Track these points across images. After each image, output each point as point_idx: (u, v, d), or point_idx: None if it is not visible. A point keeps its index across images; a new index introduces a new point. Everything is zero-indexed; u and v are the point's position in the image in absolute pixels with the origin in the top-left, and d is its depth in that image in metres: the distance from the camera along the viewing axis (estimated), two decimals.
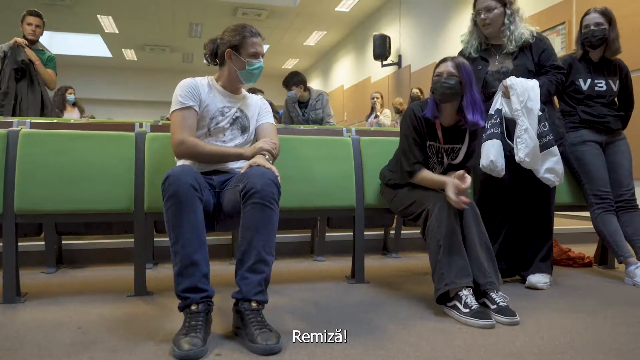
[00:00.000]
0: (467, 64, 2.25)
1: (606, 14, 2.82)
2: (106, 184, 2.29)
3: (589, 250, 3.28)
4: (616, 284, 2.65)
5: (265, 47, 11.53)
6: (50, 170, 2.23)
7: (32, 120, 2.48)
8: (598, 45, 2.83)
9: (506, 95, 2.47)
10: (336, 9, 10.12)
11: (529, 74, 2.53)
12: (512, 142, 2.44)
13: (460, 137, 2.33)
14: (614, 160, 2.86)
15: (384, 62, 9.39)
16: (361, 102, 10.82)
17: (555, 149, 2.46)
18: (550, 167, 2.44)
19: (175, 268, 1.74)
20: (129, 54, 13.92)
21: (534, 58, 2.58)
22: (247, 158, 2.04)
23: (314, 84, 15.36)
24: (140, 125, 3.22)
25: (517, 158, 2.40)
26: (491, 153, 2.39)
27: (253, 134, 2.27)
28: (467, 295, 1.93)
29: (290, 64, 15.25)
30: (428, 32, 8.30)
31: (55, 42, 13.39)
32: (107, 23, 10.98)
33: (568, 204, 2.93)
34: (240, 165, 2.04)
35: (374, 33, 9.58)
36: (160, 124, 3.29)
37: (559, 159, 2.47)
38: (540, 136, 2.42)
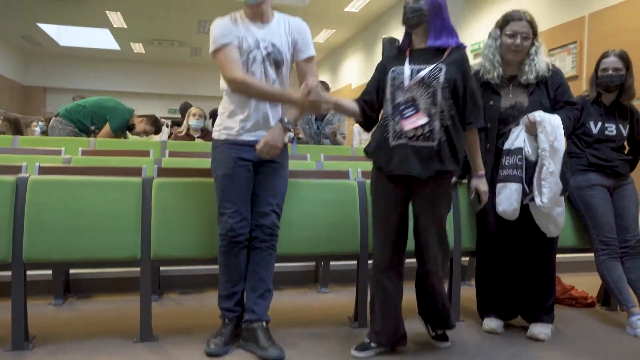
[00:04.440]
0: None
1: (624, 58, 2.78)
2: (113, 232, 2.32)
3: (591, 281, 3.25)
4: (618, 333, 2.65)
5: None
6: (58, 218, 2.26)
7: (41, 165, 2.49)
8: (614, 90, 2.81)
9: (530, 131, 2.39)
10: (346, 9, 10.04)
11: (544, 111, 2.45)
12: (529, 187, 2.36)
13: (430, 59, 2.13)
14: (621, 205, 2.84)
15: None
16: None
17: (562, 199, 2.43)
18: (554, 216, 2.41)
19: (221, 291, 2.32)
20: (137, 47, 13.89)
21: (549, 93, 2.51)
22: (294, 103, 2.25)
23: (322, 79, 15.28)
24: (153, 151, 3.25)
25: (538, 202, 2.33)
26: (509, 199, 2.34)
27: (289, 65, 2.34)
28: None
29: None
30: None
31: (64, 34, 13.40)
32: (116, 18, 10.95)
33: (572, 247, 2.93)
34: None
35: (383, 35, 9.49)
36: (166, 155, 3.33)
37: (564, 210, 2.46)
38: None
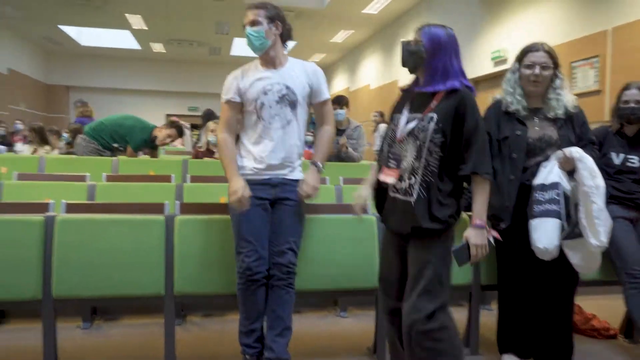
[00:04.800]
0: (437, 33, 2.01)
1: None
2: (138, 268, 2.38)
3: (613, 307, 3.17)
4: None
5: (292, 44, 11.51)
6: (85, 255, 2.34)
7: (68, 202, 2.57)
8: (635, 122, 2.78)
9: (565, 167, 2.34)
10: (363, 11, 9.99)
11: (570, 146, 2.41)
12: (565, 222, 2.31)
13: (424, 106, 2.03)
14: None
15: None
16: (388, 104, 10.71)
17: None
18: (584, 255, 2.35)
19: (240, 327, 2.39)
20: (157, 47, 14.02)
21: (575, 129, 2.47)
22: (230, 182, 2.34)
23: (340, 79, 15.27)
24: (174, 177, 3.32)
25: (594, 242, 2.27)
26: (549, 236, 2.27)
27: (305, 105, 2.46)
28: None
29: (317, 58, 15.16)
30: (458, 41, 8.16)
31: (85, 35, 13.59)
32: (135, 20, 11.06)
33: (596, 280, 2.91)
34: (293, 177, 2.43)
35: (402, 39, 9.44)
36: (187, 180, 3.39)
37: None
38: (574, 224, 2.31)
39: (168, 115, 16.29)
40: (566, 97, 2.45)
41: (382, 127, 8.35)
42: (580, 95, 5.34)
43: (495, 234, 2.07)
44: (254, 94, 2.39)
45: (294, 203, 2.42)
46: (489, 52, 7.13)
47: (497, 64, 6.91)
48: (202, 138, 5.06)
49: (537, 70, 2.41)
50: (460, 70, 2.03)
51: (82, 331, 2.98)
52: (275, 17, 2.41)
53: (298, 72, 2.43)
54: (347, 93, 14.37)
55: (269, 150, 2.38)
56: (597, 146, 2.60)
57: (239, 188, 2.28)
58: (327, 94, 2.51)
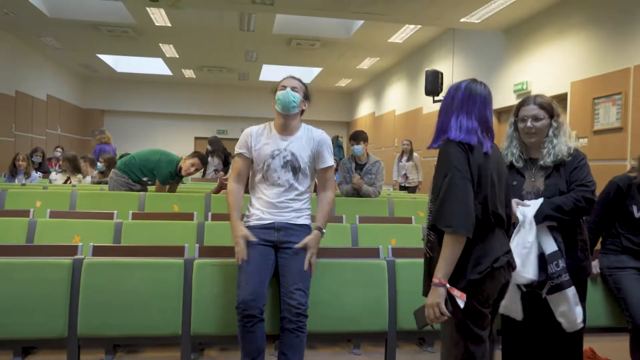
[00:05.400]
0: (449, 90, 2.06)
1: None
2: (157, 310, 2.52)
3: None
4: None
5: (318, 70, 11.76)
6: (109, 296, 2.48)
7: (95, 245, 2.74)
8: None
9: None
10: (389, 40, 10.15)
11: (558, 195, 2.42)
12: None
13: None
14: None
15: (436, 99, 9.35)
16: (412, 131, 10.80)
17: (570, 291, 2.33)
18: (563, 311, 2.36)
19: None
20: (188, 73, 14.47)
21: (566, 176, 2.46)
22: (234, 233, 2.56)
23: (366, 104, 15.43)
24: (197, 214, 3.48)
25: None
26: (573, 308, 2.30)
27: (307, 172, 2.66)
28: None
29: (343, 83, 15.39)
30: (481, 72, 8.22)
31: (120, 61, 14.16)
32: (168, 49, 11.49)
33: (605, 327, 2.92)
34: (298, 222, 2.61)
35: (426, 68, 9.55)
36: (209, 219, 3.54)
37: (574, 304, 2.35)
38: (552, 277, 2.31)
39: (197, 138, 16.72)
40: (559, 146, 2.45)
41: (416, 156, 8.52)
42: (601, 132, 5.34)
43: (459, 293, 1.88)
44: (262, 156, 2.62)
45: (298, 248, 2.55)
46: (511, 85, 7.17)
47: (519, 96, 6.94)
48: (211, 166, 5.19)
49: (528, 123, 2.48)
50: (465, 127, 1.99)
51: None
52: (308, 96, 2.77)
53: (305, 141, 2.67)
54: (372, 118, 14.50)
55: (270, 211, 2.61)
56: (590, 187, 2.45)
57: (240, 237, 2.50)
58: (329, 162, 2.71)
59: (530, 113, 2.50)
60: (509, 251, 2.05)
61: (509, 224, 2.11)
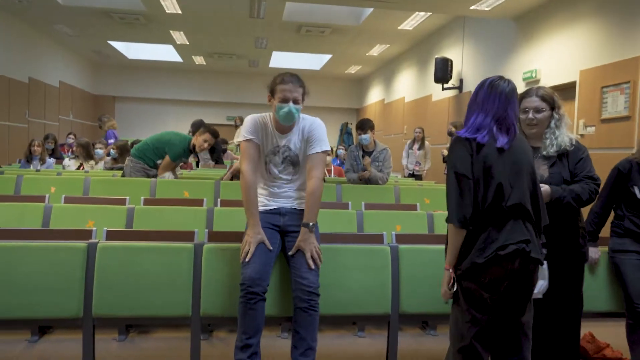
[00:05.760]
0: (474, 92, 2.20)
1: None
2: (168, 291, 2.62)
3: None
4: None
5: (328, 57, 11.75)
6: (122, 279, 2.59)
7: (108, 229, 2.84)
8: None
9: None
10: (399, 27, 10.12)
11: (563, 183, 2.56)
12: None
13: None
14: None
15: (445, 86, 9.35)
16: (421, 118, 10.81)
17: (545, 266, 2.34)
18: None
19: (237, 342, 2.48)
20: (199, 60, 14.53)
21: (569, 166, 2.59)
22: (250, 224, 2.58)
23: (376, 91, 15.41)
24: (206, 201, 3.57)
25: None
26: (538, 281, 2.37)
27: (305, 165, 2.67)
28: None
29: (352, 70, 15.37)
30: (490, 60, 8.19)
31: (131, 48, 14.25)
32: (179, 36, 11.55)
33: (605, 312, 2.98)
34: (301, 207, 2.67)
35: (436, 56, 9.53)
36: (218, 205, 3.63)
37: (541, 278, 2.36)
38: None
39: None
40: (561, 137, 2.57)
41: (427, 144, 8.56)
42: (609, 121, 5.34)
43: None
44: (264, 150, 2.67)
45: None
46: (520, 72, 7.16)
47: (528, 84, 6.93)
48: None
49: (530, 115, 2.58)
50: (477, 124, 2.13)
51: (118, 343, 3.25)
52: (306, 92, 2.66)
53: (299, 134, 2.67)
54: (382, 105, 14.50)
55: (274, 199, 2.70)
56: (597, 181, 2.60)
57: (255, 240, 2.54)
58: (317, 148, 2.64)
59: (532, 105, 2.59)
60: (529, 241, 2.06)
61: (539, 215, 2.15)
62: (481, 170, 2.07)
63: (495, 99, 2.11)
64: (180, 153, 4.80)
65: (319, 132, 2.67)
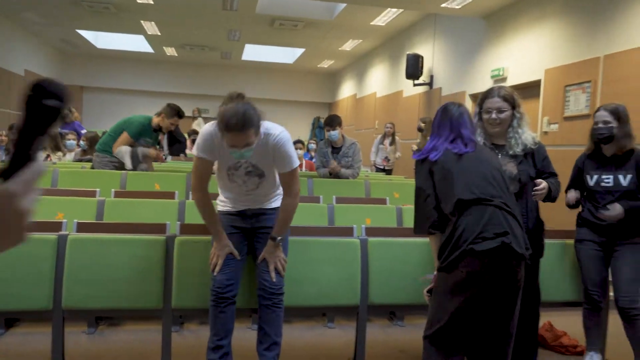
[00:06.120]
0: (435, 113, 2.44)
1: (615, 112, 2.93)
2: (139, 284, 2.63)
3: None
4: None
5: (300, 51, 11.70)
6: (93, 271, 2.59)
7: (79, 221, 2.83)
8: (606, 142, 2.94)
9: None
10: (372, 23, 10.20)
11: (530, 180, 2.69)
12: None
13: None
14: (615, 264, 2.94)
15: (416, 82, 9.48)
16: (393, 113, 10.93)
17: None
18: None
19: (209, 344, 2.54)
20: (170, 51, 14.33)
21: (535, 164, 2.73)
22: (216, 238, 2.57)
23: (348, 85, 15.49)
24: (178, 193, 3.56)
25: None
26: None
27: (272, 173, 2.59)
28: None
29: (325, 64, 15.40)
30: (460, 57, 8.35)
31: (101, 37, 13.95)
32: (150, 26, 11.37)
33: (562, 301, 3.12)
34: (270, 206, 2.66)
35: (408, 52, 9.65)
36: (190, 198, 3.61)
37: None
38: None
39: None
40: (524, 135, 2.70)
41: (397, 139, 8.63)
42: (571, 119, 5.53)
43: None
44: (225, 163, 2.53)
45: (271, 230, 2.63)
46: (489, 70, 7.32)
47: (496, 81, 7.10)
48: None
49: (493, 115, 2.69)
50: (431, 147, 2.37)
51: (87, 336, 3.24)
52: (259, 125, 2.35)
53: (263, 149, 2.44)
54: (353, 100, 14.60)
55: (241, 202, 2.66)
56: (557, 177, 2.78)
57: (224, 252, 2.54)
58: (288, 167, 2.50)
59: (494, 105, 2.70)
60: (507, 233, 2.07)
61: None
62: (442, 175, 2.25)
63: (447, 124, 2.35)
64: (139, 128, 4.54)
65: (286, 149, 2.47)
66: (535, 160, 2.73)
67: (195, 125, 12.06)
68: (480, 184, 2.18)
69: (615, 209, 2.86)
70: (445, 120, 2.37)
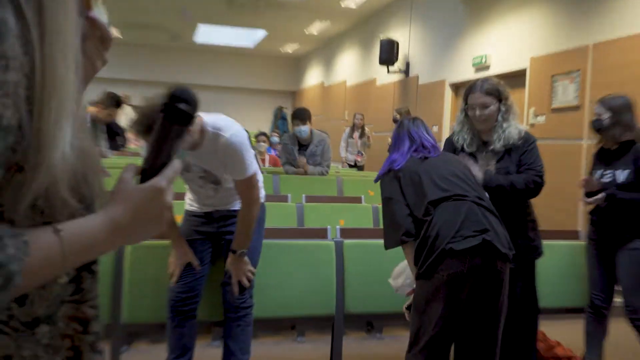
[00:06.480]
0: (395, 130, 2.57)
1: (606, 103, 3.00)
2: None
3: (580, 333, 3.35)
4: None
5: (262, 33, 11.55)
6: None
7: None
8: (600, 134, 3.02)
9: None
10: (343, 5, 10.20)
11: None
12: None
13: None
14: (618, 274, 2.98)
15: (390, 69, 9.54)
16: (365, 103, 10.97)
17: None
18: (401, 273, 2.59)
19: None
20: (114, 32, 13.97)
21: (516, 160, 2.71)
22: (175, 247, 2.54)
23: (315, 72, 15.48)
24: None
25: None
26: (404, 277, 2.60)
27: (227, 179, 2.50)
28: None
29: (289, 49, 15.36)
30: (439, 43, 8.43)
31: None
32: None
33: (557, 307, 3.19)
34: (235, 207, 2.60)
35: (381, 36, 9.70)
36: None
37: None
38: None
39: None
40: (508, 130, 2.70)
41: (367, 131, 8.60)
42: (559, 110, 5.66)
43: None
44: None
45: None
46: (470, 58, 7.42)
47: (478, 70, 7.20)
48: None
49: (477, 112, 2.71)
50: (391, 160, 2.48)
51: None
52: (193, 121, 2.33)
53: (211, 152, 2.33)
54: (321, 88, 14.60)
55: (206, 204, 2.64)
56: (538, 172, 2.70)
57: (183, 261, 2.50)
58: (243, 174, 2.37)
59: (477, 101, 2.71)
60: (487, 230, 2.07)
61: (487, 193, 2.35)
62: (409, 179, 2.32)
63: (405, 136, 2.50)
64: None
65: (239, 156, 2.33)
66: (516, 155, 2.71)
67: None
68: (452, 180, 2.25)
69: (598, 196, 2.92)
70: (403, 133, 2.51)
